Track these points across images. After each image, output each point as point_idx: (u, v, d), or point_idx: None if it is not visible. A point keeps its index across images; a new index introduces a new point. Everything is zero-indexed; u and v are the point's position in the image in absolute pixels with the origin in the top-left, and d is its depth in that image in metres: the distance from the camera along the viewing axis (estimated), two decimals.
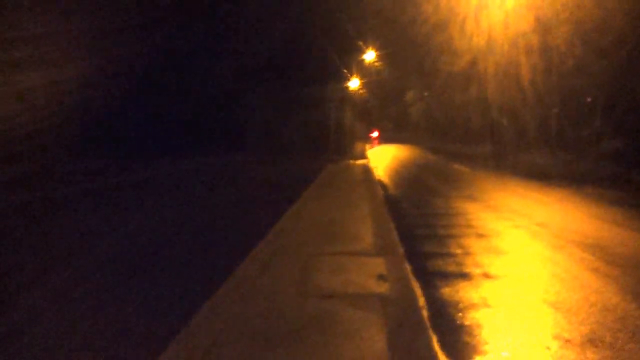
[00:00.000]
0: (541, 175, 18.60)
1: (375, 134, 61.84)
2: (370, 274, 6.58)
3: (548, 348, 4.59)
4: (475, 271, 7.01)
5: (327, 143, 36.50)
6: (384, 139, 67.80)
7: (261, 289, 6.18)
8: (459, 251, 8.19)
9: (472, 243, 8.71)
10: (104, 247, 9.15)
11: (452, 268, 7.25)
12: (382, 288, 6.04)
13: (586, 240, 8.61)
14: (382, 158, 36.38)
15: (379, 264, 7.06)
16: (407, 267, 7.05)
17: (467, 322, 5.27)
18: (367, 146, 51.96)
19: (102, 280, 7.18)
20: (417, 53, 41.44)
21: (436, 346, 4.57)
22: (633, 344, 4.59)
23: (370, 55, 38.91)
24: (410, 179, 21.74)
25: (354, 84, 41.17)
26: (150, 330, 5.28)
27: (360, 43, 36.15)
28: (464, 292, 6.17)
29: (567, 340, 4.71)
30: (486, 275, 6.80)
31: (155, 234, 10.30)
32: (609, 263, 7.14)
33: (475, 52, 27.69)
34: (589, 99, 21.75)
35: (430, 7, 27.75)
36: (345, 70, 37.66)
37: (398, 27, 37.42)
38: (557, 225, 9.93)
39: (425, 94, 57.95)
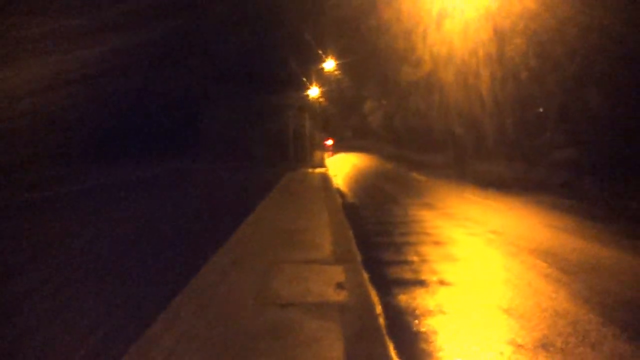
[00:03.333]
0: (497, 184, 19.02)
1: (329, 142, 62.20)
2: (328, 282, 6.57)
3: (501, 353, 4.67)
4: (432, 278, 7.09)
5: (286, 151, 36.47)
6: (344, 148, 68.20)
7: (219, 297, 6.09)
8: (415, 259, 8.28)
9: (428, 250, 8.82)
10: (57, 259, 8.85)
11: (408, 275, 7.31)
12: (340, 296, 6.04)
13: (539, 247, 8.83)
14: (342, 166, 36.57)
15: (337, 272, 7.06)
16: (365, 275, 7.07)
17: (423, 329, 5.32)
18: (327, 155, 52.16)
19: (58, 292, 6.94)
20: (376, 62, 41.91)
21: (392, 353, 4.60)
22: (583, 348, 4.72)
23: (330, 64, 39.14)
24: (369, 187, 21.90)
25: (314, 92, 41.32)
26: (105, 340, 5.12)
27: (320, 52, 36.34)
28: (420, 299, 6.23)
29: (520, 346, 4.81)
30: (442, 282, 6.89)
31: (108, 243, 10.03)
32: (561, 269, 7.34)
33: (434, 61, 28.15)
34: (541, 109, 22.39)
35: (390, 16, 28.14)
36: (304, 79, 37.78)
37: (358, 36, 37.83)
38: (511, 233, 10.16)
39: (384, 102, 58.64)
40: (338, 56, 39.14)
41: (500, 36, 20.70)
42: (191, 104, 34.44)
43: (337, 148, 67.28)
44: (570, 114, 20.10)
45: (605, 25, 16.19)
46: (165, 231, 11.23)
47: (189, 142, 35.14)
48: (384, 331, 5.07)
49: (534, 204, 14.10)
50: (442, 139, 36.55)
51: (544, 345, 4.79)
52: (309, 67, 37.55)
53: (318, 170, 31.86)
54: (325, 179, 24.25)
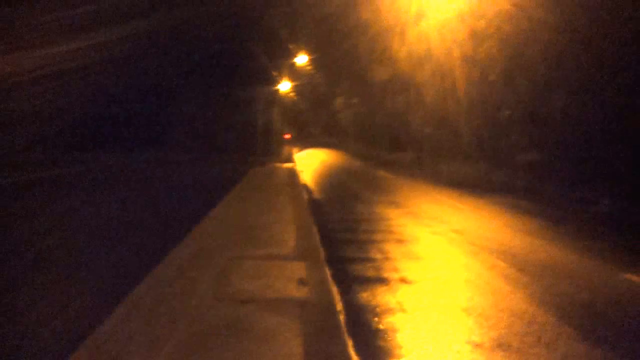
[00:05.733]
0: (461, 184, 19.26)
1: (287, 136, 62.54)
2: (290, 279, 6.52)
3: (459, 352, 4.70)
4: (393, 276, 7.11)
5: (255, 145, 36.22)
6: (313, 144, 68.12)
7: (177, 293, 5.97)
8: (378, 256, 8.30)
9: (391, 248, 8.85)
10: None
11: (371, 273, 7.32)
12: (301, 293, 6.00)
13: (499, 247, 8.96)
14: (310, 162, 36.53)
15: (299, 269, 7.01)
16: (328, 271, 7.04)
17: (382, 327, 5.32)
18: (295, 150, 52.05)
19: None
20: (350, 60, 41.92)
21: (351, 351, 4.57)
22: (538, 348, 4.78)
23: (302, 59, 39.01)
24: (336, 184, 21.92)
25: (285, 87, 41.12)
26: (55, 334, 4.96)
27: (292, 46, 36.17)
28: (381, 297, 6.24)
29: (478, 345, 4.85)
30: (403, 280, 6.91)
31: (64, 234, 9.77)
32: (519, 270, 7.45)
33: (405, 60, 28.28)
34: (507, 112, 22.72)
35: (366, 15, 28.12)
36: (275, 73, 37.56)
37: (333, 33, 37.72)
38: (473, 233, 10.28)
39: (354, 100, 58.81)
40: (312, 51, 39.05)
41: (472, 38, 20.88)
42: (162, 96, 33.95)
43: (306, 144, 67.25)
44: (538, 117, 20.44)
45: (574, 28, 16.46)
46: (127, 222, 10.99)
47: (159, 134, 34.68)
48: (344, 328, 5.04)
49: (497, 205, 14.31)
50: (412, 138, 36.83)
51: (501, 345, 4.84)
52: (280, 61, 37.34)
53: (286, 165, 31.74)
54: (293, 175, 24.16)
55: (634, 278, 7.07)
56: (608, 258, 8.34)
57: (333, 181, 23.39)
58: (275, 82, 38.73)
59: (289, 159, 37.17)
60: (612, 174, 15.14)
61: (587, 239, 9.96)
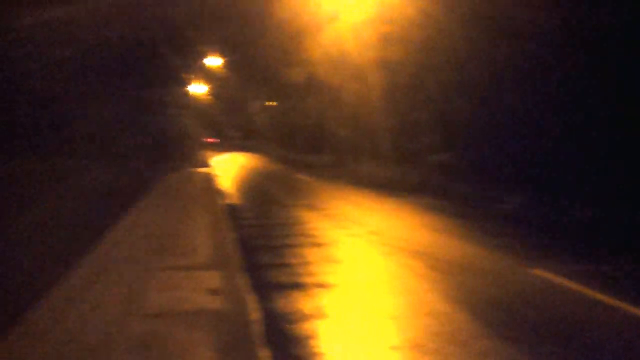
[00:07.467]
0: (377, 185, 19.59)
1: (211, 140, 62.19)
2: (203, 289, 6.25)
3: (377, 354, 4.67)
4: (311, 281, 7.01)
5: (168, 150, 35.11)
6: (232, 147, 67.11)
7: (81, 309, 5.54)
8: (295, 261, 8.18)
9: (308, 252, 8.77)
10: None
11: (288, 279, 7.18)
12: (215, 303, 5.76)
13: (414, 247, 9.10)
14: (228, 167, 35.97)
15: (213, 278, 6.76)
16: (243, 279, 6.84)
17: (300, 334, 5.19)
18: (212, 154, 51.10)
19: None
20: (263, 62, 41.68)
21: None
22: (453, 347, 4.83)
23: (216, 61, 38.38)
24: (253, 188, 21.68)
25: (199, 89, 40.30)
26: None
27: (203, 47, 35.41)
28: (298, 303, 6.11)
29: (395, 347, 4.83)
30: (321, 285, 6.83)
31: None
32: (434, 269, 7.58)
33: (318, 63, 28.43)
34: (417, 114, 23.41)
35: (281, 16, 27.97)
36: (188, 75, 36.66)
37: (248, 34, 37.29)
38: (389, 234, 10.41)
39: (272, 103, 58.64)
40: (226, 53, 38.47)
41: (382, 42, 21.30)
42: (61, 100, 31.94)
43: (225, 148, 66.22)
44: (446, 120, 21.19)
45: (472, 36, 17.23)
46: (26, 235, 10.19)
47: (61, 140, 32.62)
48: (260, 338, 4.87)
49: (411, 205, 14.65)
50: (329, 140, 37.16)
51: (417, 346, 4.85)
52: (191, 62, 36.46)
53: (202, 170, 31.04)
54: (209, 180, 23.64)
55: (543, 273, 7.36)
56: (517, 254, 8.65)
57: (250, 185, 23.13)
58: (186, 83, 37.83)
59: (205, 164, 36.38)
60: (518, 172, 15.93)
61: (497, 235, 10.34)
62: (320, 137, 39.33)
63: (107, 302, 5.77)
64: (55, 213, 13.19)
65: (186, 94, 38.89)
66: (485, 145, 18.43)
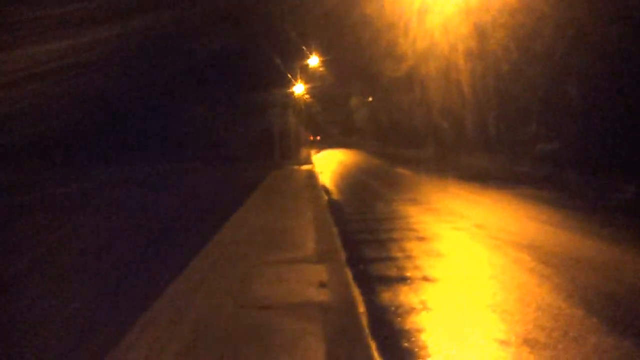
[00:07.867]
0: (480, 178, 19.05)
1: (316, 138, 63.17)
2: (310, 282, 6.48)
3: (485, 349, 4.62)
4: (416, 275, 7.03)
5: (272, 149, 36.28)
6: (331, 144, 68.09)
7: (197, 302, 5.97)
8: (399, 255, 8.22)
9: (412, 246, 8.76)
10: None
11: (392, 272, 7.24)
12: (322, 296, 5.95)
13: (522, 240, 8.81)
14: (328, 163, 36.48)
15: (320, 272, 6.97)
16: (349, 273, 6.99)
17: (406, 327, 5.25)
18: (313, 151, 52.09)
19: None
20: (360, 58, 41.88)
21: (375, 353, 4.52)
22: (566, 342, 4.68)
23: (314, 61, 39.05)
24: (354, 184, 21.84)
25: (299, 89, 41.19)
26: (79, 349, 5.00)
27: (304, 48, 36.21)
28: (404, 297, 6.16)
29: (504, 342, 4.76)
30: (426, 279, 6.83)
31: (82, 247, 9.86)
32: (544, 263, 7.31)
33: (417, 56, 28.16)
34: (524, 103, 22.49)
35: (373, 12, 28.05)
36: (289, 76, 37.63)
37: (342, 32, 37.72)
38: (495, 227, 10.14)
39: (369, 99, 58.70)
40: (322, 52, 39.10)
41: (480, 31, 20.73)
42: (177, 105, 33.94)
43: (324, 145, 67.23)
44: (552, 108, 20.19)
45: (580, 21, 16.32)
46: (147, 233, 11.06)
47: (172, 144, 34.72)
48: (367, 330, 4.99)
49: (517, 197, 14.12)
50: (426, 133, 36.61)
51: (527, 340, 4.75)
52: (293, 63, 37.42)
53: (304, 167, 31.75)
54: (311, 176, 24.15)
55: None
56: (636, 247, 8.14)
57: (351, 181, 23.32)
58: (290, 84, 38.80)
59: (308, 161, 37.17)
60: (634, 160, 14.85)
61: (609, 227, 9.76)
62: (420, 131, 38.82)
63: (219, 296, 6.14)
64: (175, 210, 14.18)
65: (288, 94, 39.89)
66: (595, 133, 17.33)
